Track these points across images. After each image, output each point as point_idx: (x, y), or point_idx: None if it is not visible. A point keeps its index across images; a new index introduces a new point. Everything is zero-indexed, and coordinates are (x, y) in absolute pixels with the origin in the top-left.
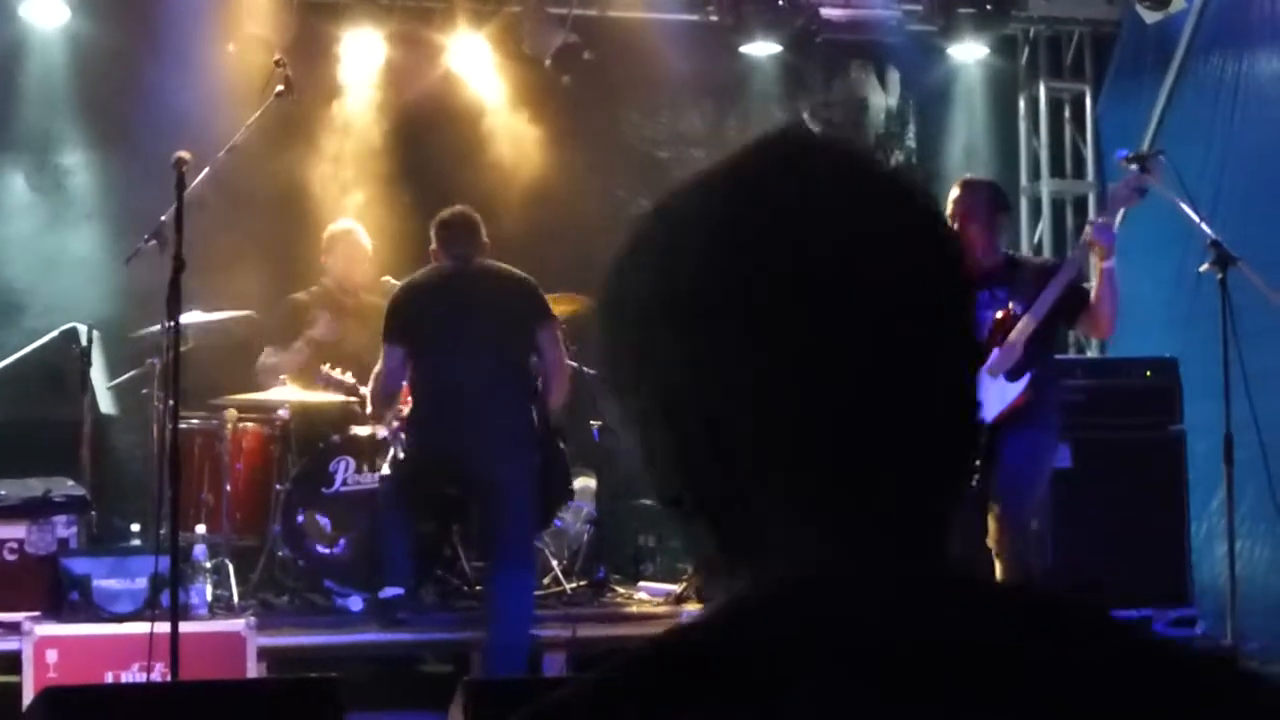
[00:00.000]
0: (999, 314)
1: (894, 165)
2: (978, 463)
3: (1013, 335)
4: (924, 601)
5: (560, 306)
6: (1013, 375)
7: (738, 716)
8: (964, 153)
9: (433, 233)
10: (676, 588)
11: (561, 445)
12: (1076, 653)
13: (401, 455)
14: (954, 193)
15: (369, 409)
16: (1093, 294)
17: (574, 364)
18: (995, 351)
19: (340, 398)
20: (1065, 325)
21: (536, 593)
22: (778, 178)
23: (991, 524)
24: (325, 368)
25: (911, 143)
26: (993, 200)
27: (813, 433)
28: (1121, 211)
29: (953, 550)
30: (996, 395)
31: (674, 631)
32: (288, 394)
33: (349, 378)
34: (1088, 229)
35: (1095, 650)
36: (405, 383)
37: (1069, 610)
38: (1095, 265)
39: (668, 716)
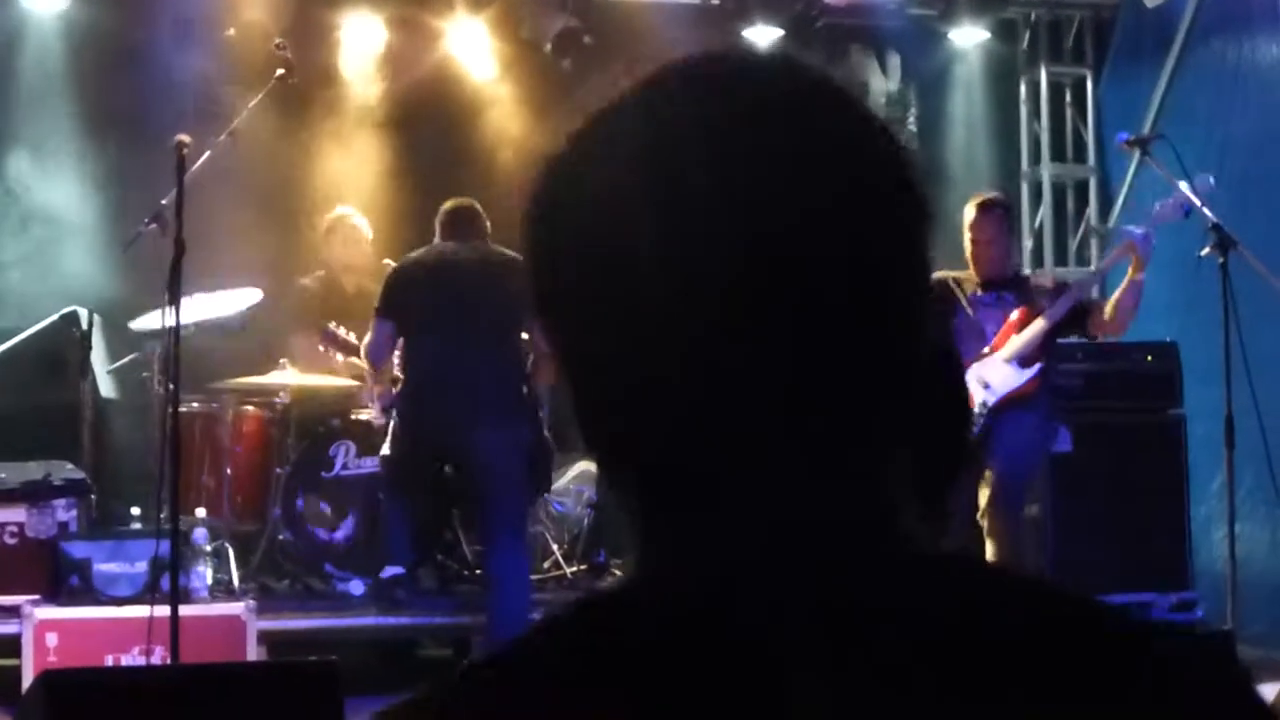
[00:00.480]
0: (1017, 312)
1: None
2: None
3: (1029, 330)
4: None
5: None
6: (1025, 362)
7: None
8: (964, 137)
9: (436, 223)
10: None
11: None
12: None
13: (393, 432)
14: (972, 214)
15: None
16: (1115, 300)
17: None
18: (1012, 339)
19: (341, 358)
20: (1076, 334)
21: (536, 576)
22: (685, 95)
23: (985, 503)
24: (331, 325)
25: (913, 127)
26: (1009, 220)
27: (712, 381)
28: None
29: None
30: (1007, 377)
31: (575, 605)
32: (288, 378)
33: (353, 337)
34: (1127, 238)
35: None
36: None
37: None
38: (1128, 274)
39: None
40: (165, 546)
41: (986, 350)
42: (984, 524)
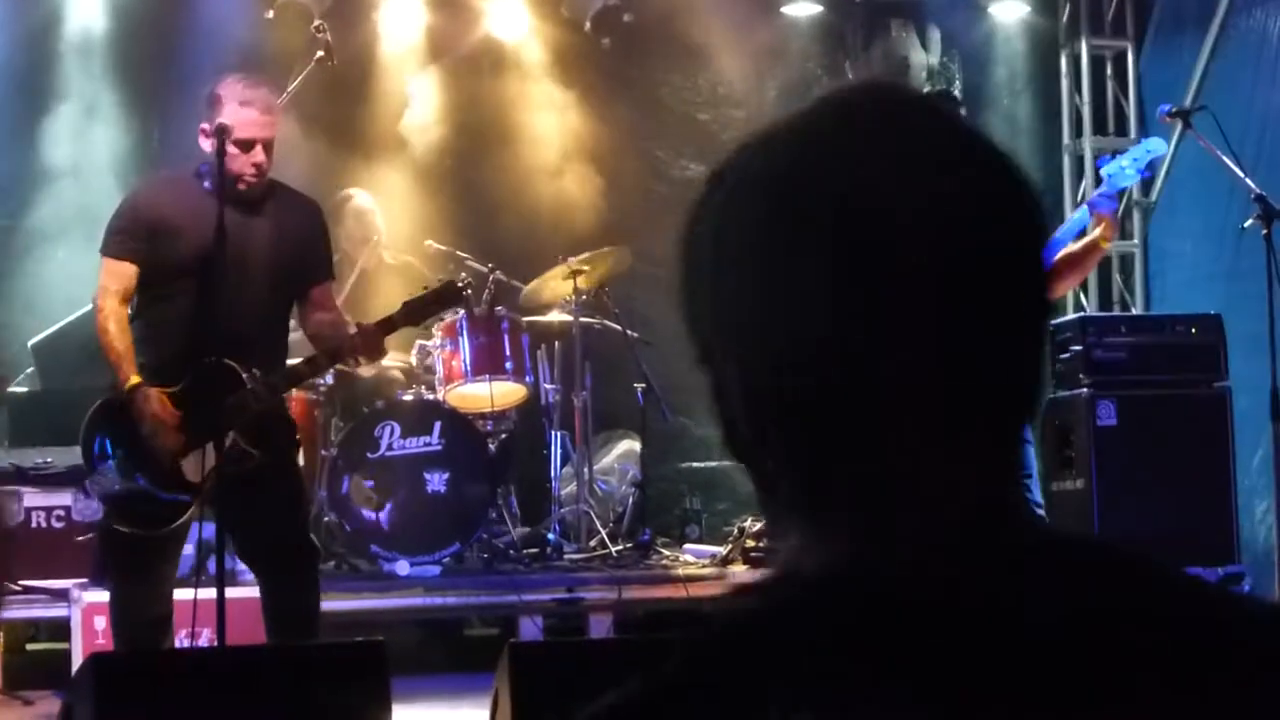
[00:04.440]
0: None
1: (971, 122)
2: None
3: None
4: (1017, 573)
5: (598, 267)
6: None
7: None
8: (1006, 111)
9: None
10: (722, 550)
11: None
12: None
13: None
14: None
15: None
16: (1070, 265)
17: (617, 326)
18: None
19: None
20: None
21: (581, 555)
22: (866, 130)
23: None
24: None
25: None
26: None
27: (883, 390)
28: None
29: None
30: None
31: (732, 612)
32: None
33: None
34: (1096, 209)
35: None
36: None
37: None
38: (1097, 237)
39: (748, 706)
40: (211, 529)
41: None
42: None
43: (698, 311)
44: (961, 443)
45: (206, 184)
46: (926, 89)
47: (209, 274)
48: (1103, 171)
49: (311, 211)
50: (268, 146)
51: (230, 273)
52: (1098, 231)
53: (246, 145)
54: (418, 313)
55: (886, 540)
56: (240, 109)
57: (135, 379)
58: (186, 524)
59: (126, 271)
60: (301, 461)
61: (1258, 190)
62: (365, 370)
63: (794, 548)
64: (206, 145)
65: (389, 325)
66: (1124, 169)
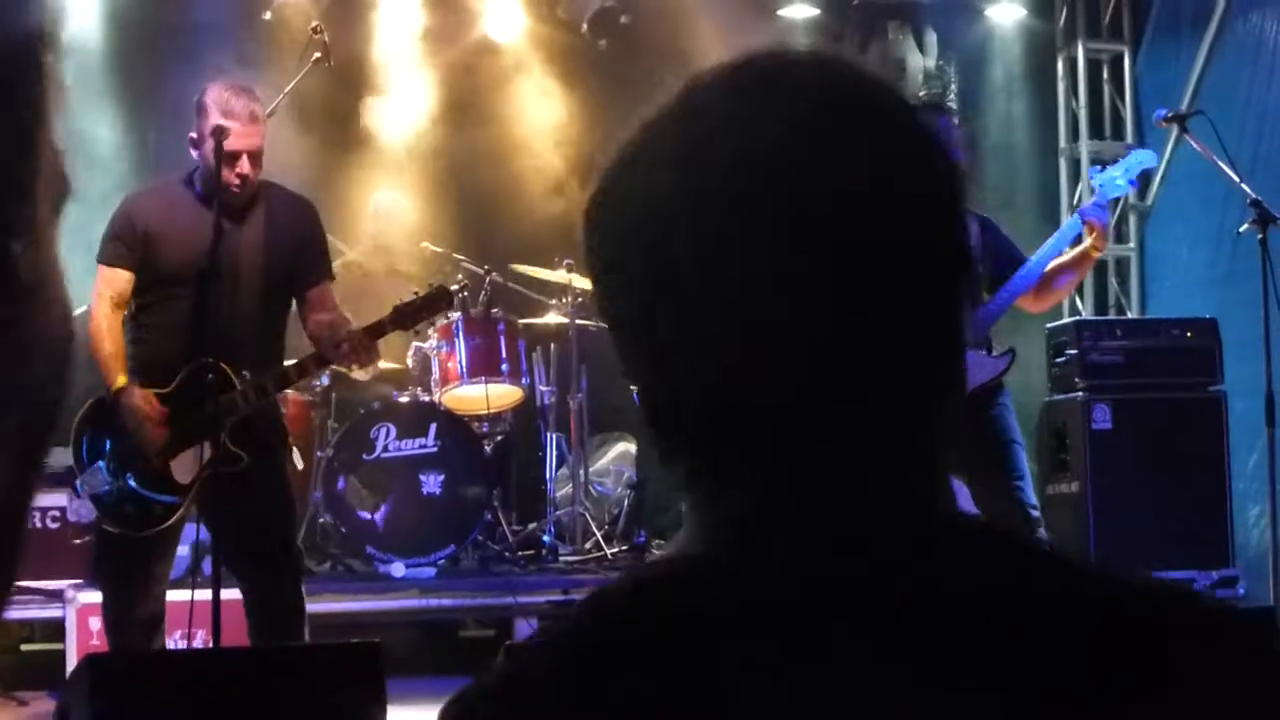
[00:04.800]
0: None
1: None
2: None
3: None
4: (917, 549)
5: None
6: (992, 348)
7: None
8: (1002, 115)
9: None
10: None
11: None
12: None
13: None
14: None
15: None
16: (1062, 274)
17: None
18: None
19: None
20: None
21: (577, 557)
22: (783, 90)
23: (1002, 503)
24: None
25: (953, 105)
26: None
27: (794, 356)
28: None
29: (944, 494)
30: (977, 367)
31: (624, 580)
32: None
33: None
34: (1087, 218)
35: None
36: None
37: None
38: (1087, 247)
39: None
40: (206, 530)
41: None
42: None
43: (611, 286)
44: (853, 434)
45: (197, 189)
46: (922, 92)
47: (201, 279)
48: (1093, 182)
49: (305, 211)
50: (254, 157)
51: (223, 278)
52: (1089, 240)
53: (231, 158)
54: (408, 318)
55: (772, 525)
56: (224, 121)
57: (122, 379)
58: (178, 525)
59: (121, 278)
60: (300, 463)
61: (1253, 195)
62: (360, 374)
63: (690, 528)
64: (194, 153)
65: (378, 330)
66: (1114, 179)
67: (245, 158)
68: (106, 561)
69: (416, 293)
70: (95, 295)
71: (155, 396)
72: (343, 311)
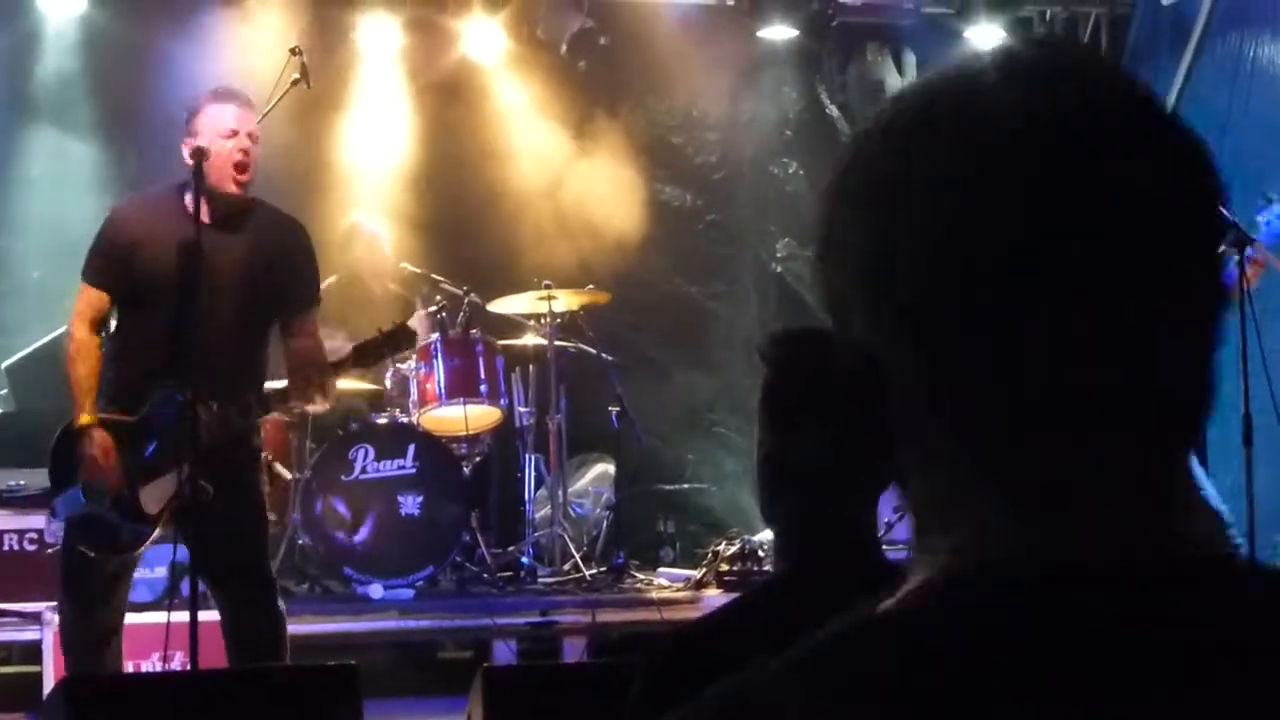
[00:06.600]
0: None
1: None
2: None
3: None
4: (1166, 591)
5: (581, 297)
6: None
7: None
8: None
9: None
10: (695, 573)
11: None
12: None
13: None
14: None
15: None
16: None
17: (592, 350)
18: None
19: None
20: None
21: (555, 579)
22: (1068, 92)
23: None
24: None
25: None
26: None
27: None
28: None
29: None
30: None
31: (872, 619)
32: None
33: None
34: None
35: None
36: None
37: None
38: None
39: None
40: (184, 552)
41: None
42: None
43: (864, 273)
44: (1096, 456)
45: (187, 200)
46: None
47: (182, 292)
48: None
49: (292, 230)
50: (252, 138)
51: (204, 291)
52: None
53: (230, 137)
54: (369, 355)
55: (1075, 537)
56: (219, 105)
57: (86, 418)
58: (140, 551)
59: (99, 299)
60: (287, 474)
61: (1230, 217)
62: (314, 408)
63: (964, 536)
64: (187, 149)
65: (338, 368)
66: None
67: (244, 135)
68: (67, 581)
69: (380, 329)
70: (75, 314)
71: (121, 432)
72: (321, 340)
